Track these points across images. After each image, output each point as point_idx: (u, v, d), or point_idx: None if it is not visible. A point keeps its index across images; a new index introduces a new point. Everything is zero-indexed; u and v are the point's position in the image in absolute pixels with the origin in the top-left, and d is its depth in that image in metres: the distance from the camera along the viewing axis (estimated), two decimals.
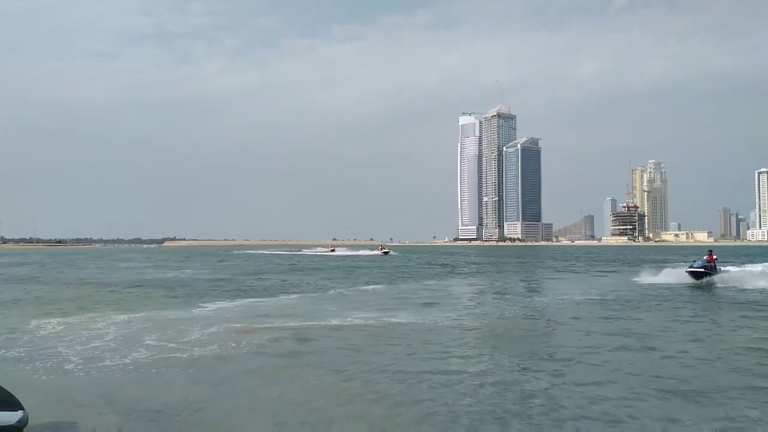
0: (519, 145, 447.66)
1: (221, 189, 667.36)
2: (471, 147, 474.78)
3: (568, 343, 13.84)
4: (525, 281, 37.05)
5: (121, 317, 18.06)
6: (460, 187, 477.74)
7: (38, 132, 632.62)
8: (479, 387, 9.62)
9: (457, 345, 13.63)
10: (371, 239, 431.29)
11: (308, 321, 17.29)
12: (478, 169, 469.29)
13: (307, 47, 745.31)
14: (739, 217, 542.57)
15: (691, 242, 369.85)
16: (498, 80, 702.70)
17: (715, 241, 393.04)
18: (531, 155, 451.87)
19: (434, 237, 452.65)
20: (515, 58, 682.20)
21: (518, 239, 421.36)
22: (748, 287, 28.09)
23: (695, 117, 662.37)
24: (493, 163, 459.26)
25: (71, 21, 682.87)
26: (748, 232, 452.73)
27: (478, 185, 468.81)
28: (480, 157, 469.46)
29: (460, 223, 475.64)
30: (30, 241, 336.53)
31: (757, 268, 38.96)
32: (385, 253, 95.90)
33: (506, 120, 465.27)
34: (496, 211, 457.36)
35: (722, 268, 33.13)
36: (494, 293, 28.62)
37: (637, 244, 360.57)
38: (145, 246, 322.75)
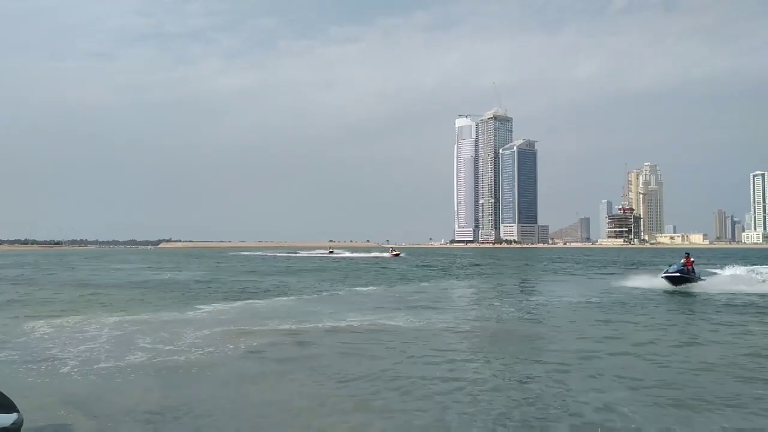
0: (515, 148, 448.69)
1: (218, 190, 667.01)
2: (467, 149, 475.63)
3: (565, 346, 13.86)
4: (521, 283, 37.09)
5: (116, 319, 17.99)
6: (457, 189, 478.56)
7: (35, 132, 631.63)
8: (476, 391, 9.63)
9: (454, 348, 13.60)
10: (367, 241, 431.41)
11: (304, 323, 17.26)
12: (475, 172, 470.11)
13: (305, 48, 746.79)
14: (734, 219, 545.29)
15: (686, 244, 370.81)
16: (494, 83, 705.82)
17: (711, 243, 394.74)
18: (527, 157, 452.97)
19: (431, 239, 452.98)
20: (513, 60, 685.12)
21: (514, 241, 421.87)
22: (726, 291, 27.18)
23: (691, 119, 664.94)
24: (490, 165, 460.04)
25: (70, 21, 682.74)
26: (743, 234, 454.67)
27: (475, 187, 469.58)
28: (476, 159, 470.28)
29: (456, 225, 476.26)
30: (25, 242, 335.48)
31: (738, 270, 37.80)
32: (396, 255, 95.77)
33: (502, 122, 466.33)
34: (493, 214, 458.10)
35: (700, 272, 31.90)
36: (490, 295, 28.63)
37: (633, 246, 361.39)
38: (140, 247, 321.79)
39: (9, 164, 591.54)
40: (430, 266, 62.99)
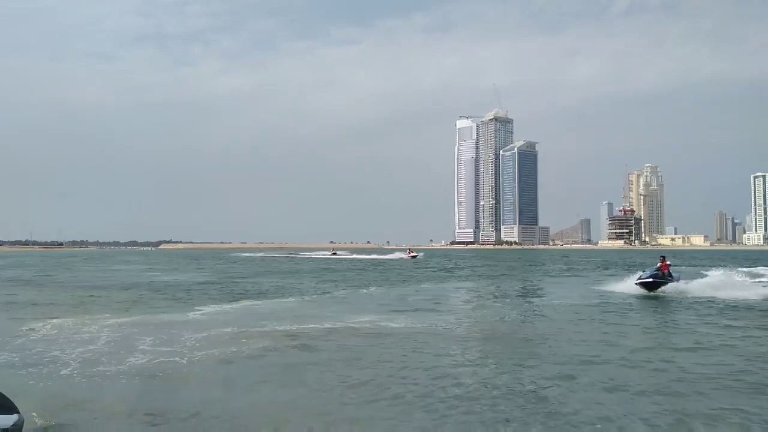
0: (516, 149, 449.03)
1: (218, 191, 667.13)
2: (468, 150, 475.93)
3: (565, 349, 13.82)
4: (521, 285, 37.04)
5: (117, 320, 17.96)
6: (457, 190, 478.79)
7: (35, 133, 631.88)
8: (476, 393, 9.60)
9: (455, 350, 13.57)
10: (368, 242, 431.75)
11: (305, 324, 17.22)
12: (475, 173, 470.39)
13: (305, 50, 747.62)
14: (735, 221, 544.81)
15: (687, 246, 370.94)
16: (495, 84, 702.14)
17: (711, 244, 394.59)
18: (528, 159, 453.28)
19: (431, 240, 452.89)
20: (513, 62, 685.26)
21: (515, 243, 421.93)
22: (702, 296, 25.55)
23: (692, 121, 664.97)
24: (490, 167, 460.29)
25: (70, 22, 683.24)
26: (744, 236, 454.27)
27: (475, 189, 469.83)
28: (477, 160, 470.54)
29: (457, 227, 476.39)
30: (26, 243, 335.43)
31: (717, 272, 35.05)
32: (414, 256, 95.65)
33: (503, 124, 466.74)
34: (493, 215, 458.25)
35: (679, 275, 30.03)
36: (491, 297, 28.61)
37: (634, 247, 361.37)
38: (141, 248, 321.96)
39: (9, 165, 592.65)
40: (428, 268, 62.89)
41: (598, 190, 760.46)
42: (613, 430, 7.67)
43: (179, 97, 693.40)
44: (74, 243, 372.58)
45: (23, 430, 5.96)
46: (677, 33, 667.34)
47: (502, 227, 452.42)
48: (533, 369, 11.30)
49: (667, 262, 28.99)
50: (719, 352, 13.21)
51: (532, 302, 25.06)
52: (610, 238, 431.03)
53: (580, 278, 44.60)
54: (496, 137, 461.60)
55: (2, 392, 5.88)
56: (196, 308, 21.64)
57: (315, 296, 27.82)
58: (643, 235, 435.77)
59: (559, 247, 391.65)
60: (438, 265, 71.55)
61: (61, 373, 10.89)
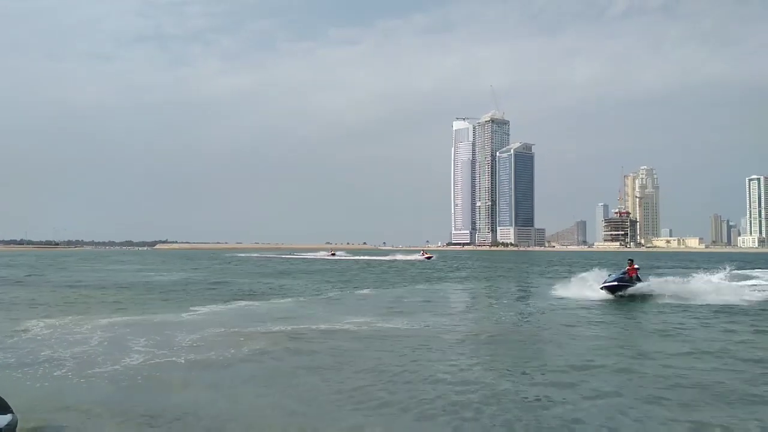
0: (512, 151, 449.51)
1: (214, 191, 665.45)
2: (464, 152, 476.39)
3: (561, 351, 13.88)
4: (517, 286, 37.11)
5: (112, 320, 17.91)
6: (454, 191, 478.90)
7: (31, 132, 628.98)
8: (473, 395, 9.63)
9: (451, 352, 13.61)
10: (364, 243, 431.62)
11: (301, 325, 17.23)
12: (472, 174, 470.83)
13: (305, 50, 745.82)
14: (730, 223, 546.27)
15: (682, 248, 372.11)
16: (492, 85, 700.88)
17: (707, 247, 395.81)
18: (524, 160, 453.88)
19: (427, 242, 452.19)
20: (511, 63, 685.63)
21: (511, 244, 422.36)
22: (668, 301, 24.13)
23: (688, 123, 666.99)
24: (487, 168, 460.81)
25: (69, 22, 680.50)
26: (739, 238, 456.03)
27: (472, 190, 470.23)
28: (473, 162, 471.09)
29: (453, 228, 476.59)
30: (21, 242, 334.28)
31: (701, 276, 32.24)
32: (428, 258, 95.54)
33: (500, 125, 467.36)
34: (489, 216, 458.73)
35: (645, 281, 27.81)
36: (487, 298, 28.66)
37: (629, 249, 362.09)
38: (136, 248, 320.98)
39: (5, 164, 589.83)
40: (427, 268, 62.92)
41: (594, 192, 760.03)
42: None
43: (178, 97, 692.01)
44: (69, 243, 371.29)
45: (17, 429, 5.96)
46: (676, 35, 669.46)
47: (498, 228, 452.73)
48: (529, 374, 11.34)
49: (635, 266, 27.68)
50: (669, 357, 13.05)
51: (536, 303, 25.09)
52: (605, 240, 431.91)
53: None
54: (492, 139, 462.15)
55: None
56: (190, 309, 21.59)
57: (311, 296, 27.80)
58: (638, 237, 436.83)
59: (555, 249, 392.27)
60: (448, 266, 71.56)
61: (56, 373, 10.87)
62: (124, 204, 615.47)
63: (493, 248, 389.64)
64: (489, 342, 15.25)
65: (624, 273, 27.09)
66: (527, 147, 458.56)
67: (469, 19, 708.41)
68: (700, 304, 23.39)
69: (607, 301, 25.22)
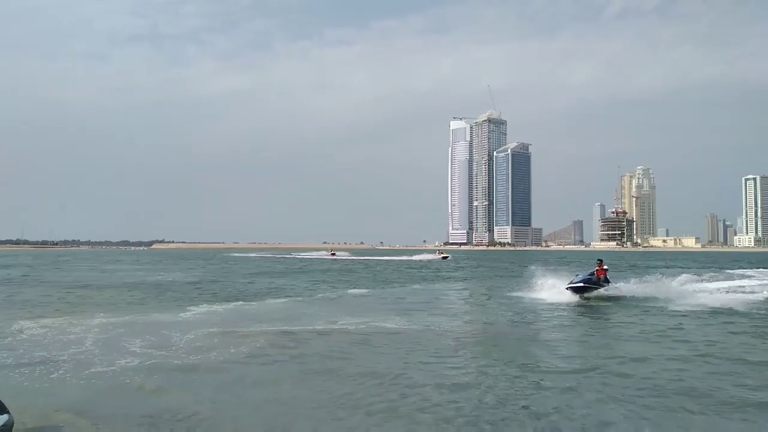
0: (509, 150, 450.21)
1: (211, 191, 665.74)
2: (461, 152, 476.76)
3: (559, 350, 13.95)
4: (513, 286, 37.13)
5: (108, 320, 17.89)
6: (451, 191, 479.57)
7: (28, 132, 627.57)
8: (469, 395, 9.69)
9: (448, 352, 13.64)
10: (361, 242, 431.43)
11: (296, 325, 17.23)
12: (469, 174, 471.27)
13: (301, 51, 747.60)
14: (726, 223, 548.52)
15: (678, 248, 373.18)
16: (489, 85, 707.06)
17: (703, 246, 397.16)
18: (521, 160, 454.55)
19: (424, 241, 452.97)
20: (507, 64, 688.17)
21: (508, 244, 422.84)
22: (635, 304, 23.59)
23: (685, 124, 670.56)
24: (484, 168, 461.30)
25: (64, 21, 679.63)
26: (735, 238, 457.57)
27: (469, 190, 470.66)
28: (470, 161, 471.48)
29: (450, 228, 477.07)
30: (17, 242, 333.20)
31: (680, 278, 32.97)
32: (444, 258, 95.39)
33: (497, 125, 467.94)
34: (486, 216, 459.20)
35: (613, 282, 26.88)
36: (483, 298, 28.70)
37: (626, 249, 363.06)
38: (133, 248, 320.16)
39: (1, 164, 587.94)
40: (425, 268, 62.96)
41: (590, 191, 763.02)
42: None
43: (173, 97, 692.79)
44: (66, 242, 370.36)
45: (13, 430, 5.99)
46: (671, 36, 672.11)
47: (495, 228, 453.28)
48: (525, 375, 11.40)
49: (604, 267, 26.49)
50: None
51: (533, 303, 25.13)
52: (602, 240, 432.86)
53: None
54: (489, 138, 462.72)
55: None
56: (188, 308, 21.60)
57: (306, 296, 27.82)
58: (635, 237, 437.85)
59: (551, 248, 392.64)
60: (465, 265, 71.72)
61: (52, 374, 10.86)
62: (121, 204, 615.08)
63: (490, 248, 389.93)
64: (486, 342, 15.32)
65: (592, 274, 25.88)
66: (524, 147, 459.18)
67: (466, 20, 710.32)
68: (667, 307, 22.28)
69: (570, 304, 23.78)
